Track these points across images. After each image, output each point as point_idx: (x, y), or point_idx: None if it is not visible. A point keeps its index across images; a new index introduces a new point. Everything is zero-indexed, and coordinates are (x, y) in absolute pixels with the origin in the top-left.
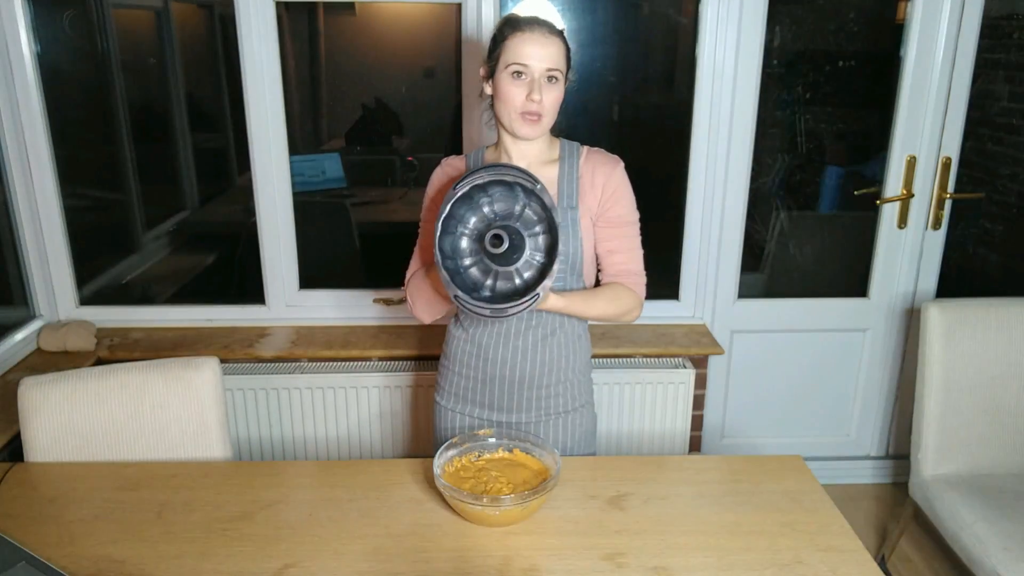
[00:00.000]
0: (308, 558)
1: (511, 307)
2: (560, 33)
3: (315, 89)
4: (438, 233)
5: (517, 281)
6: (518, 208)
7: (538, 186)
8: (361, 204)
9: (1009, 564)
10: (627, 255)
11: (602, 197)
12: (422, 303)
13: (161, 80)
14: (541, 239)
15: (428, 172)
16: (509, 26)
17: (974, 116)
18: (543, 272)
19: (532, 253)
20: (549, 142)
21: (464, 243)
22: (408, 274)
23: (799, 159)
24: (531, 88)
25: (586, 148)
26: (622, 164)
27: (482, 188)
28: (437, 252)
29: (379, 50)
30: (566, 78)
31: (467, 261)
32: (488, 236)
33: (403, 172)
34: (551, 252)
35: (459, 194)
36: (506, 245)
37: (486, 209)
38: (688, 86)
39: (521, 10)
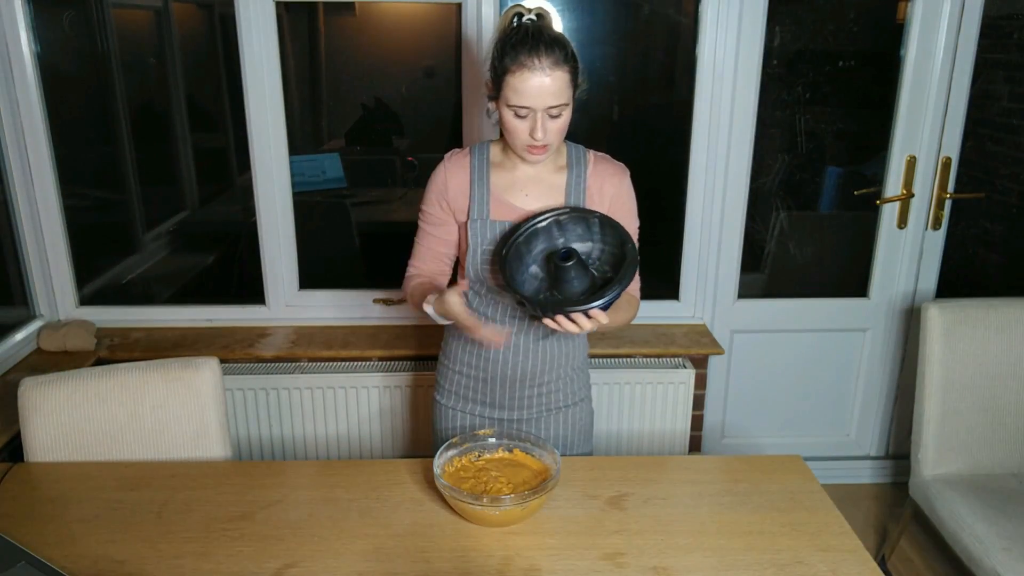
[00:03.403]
0: (308, 558)
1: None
2: (564, 56)
3: (315, 89)
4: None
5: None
6: (595, 253)
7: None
8: (361, 204)
9: (1009, 564)
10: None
11: (610, 209)
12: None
13: (161, 80)
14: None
15: (428, 172)
16: (509, 56)
17: (974, 116)
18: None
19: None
20: (555, 148)
21: (532, 272)
22: (410, 272)
23: (799, 159)
24: (533, 126)
25: (592, 154)
26: (628, 173)
27: (559, 224)
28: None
29: (379, 50)
30: (574, 96)
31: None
32: (561, 252)
33: (403, 172)
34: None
35: (536, 226)
36: (574, 261)
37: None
38: (688, 86)
39: (526, 32)
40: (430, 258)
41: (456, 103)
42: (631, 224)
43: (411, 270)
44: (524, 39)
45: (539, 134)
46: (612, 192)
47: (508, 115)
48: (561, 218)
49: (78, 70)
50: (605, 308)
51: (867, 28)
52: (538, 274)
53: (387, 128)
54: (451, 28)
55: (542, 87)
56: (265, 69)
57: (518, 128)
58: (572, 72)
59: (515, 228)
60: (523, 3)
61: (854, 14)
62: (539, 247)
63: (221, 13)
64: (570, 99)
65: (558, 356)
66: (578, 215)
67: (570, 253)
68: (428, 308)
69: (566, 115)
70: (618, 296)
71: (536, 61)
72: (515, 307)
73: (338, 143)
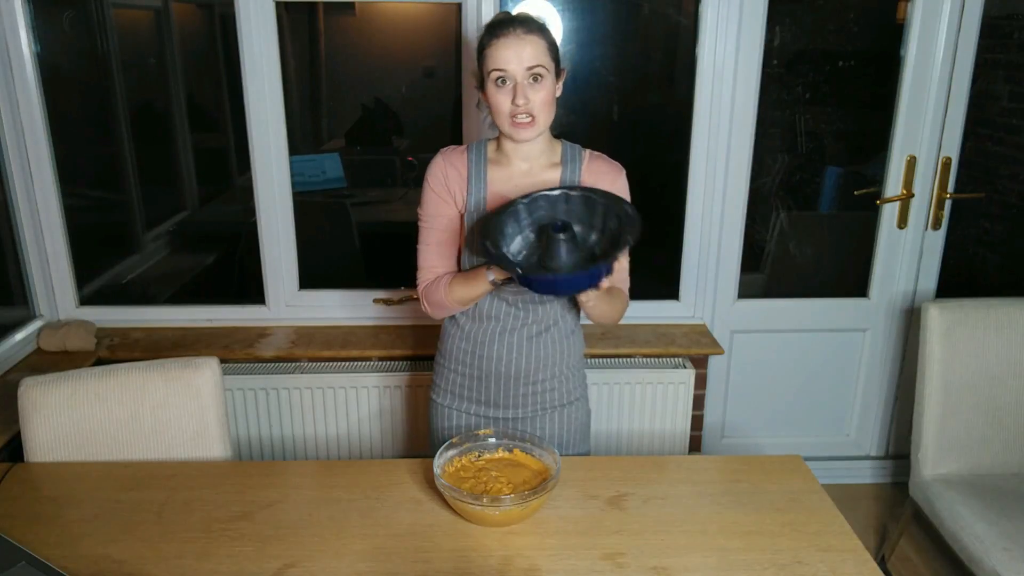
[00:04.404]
0: (308, 558)
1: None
2: (539, 28)
3: (315, 89)
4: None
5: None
6: (592, 238)
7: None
8: (361, 204)
9: (1009, 564)
10: (621, 261)
11: None
12: (455, 306)
13: (161, 80)
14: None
15: None
16: (487, 34)
17: (974, 116)
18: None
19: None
20: (550, 144)
21: (518, 242)
22: (425, 277)
23: (799, 159)
24: (515, 92)
25: (588, 152)
26: (624, 172)
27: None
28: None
29: (379, 50)
30: (557, 73)
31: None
32: (556, 224)
33: (403, 172)
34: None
35: (526, 201)
36: (567, 234)
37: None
38: (688, 86)
39: (503, 15)
40: (444, 255)
41: (456, 103)
42: None
43: (426, 274)
44: (502, 18)
45: (520, 100)
46: (611, 189)
47: (492, 90)
48: (572, 193)
49: (78, 70)
50: (589, 281)
51: (867, 28)
52: (530, 239)
53: (387, 128)
54: (451, 28)
55: (517, 49)
56: (265, 69)
57: (500, 101)
58: (548, 42)
59: (521, 197)
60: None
61: (854, 14)
62: (539, 214)
63: (221, 13)
64: (549, 67)
65: (553, 354)
66: (587, 196)
67: (565, 225)
68: (492, 275)
69: (547, 86)
70: (602, 271)
71: (509, 29)
72: (510, 300)
73: (338, 143)
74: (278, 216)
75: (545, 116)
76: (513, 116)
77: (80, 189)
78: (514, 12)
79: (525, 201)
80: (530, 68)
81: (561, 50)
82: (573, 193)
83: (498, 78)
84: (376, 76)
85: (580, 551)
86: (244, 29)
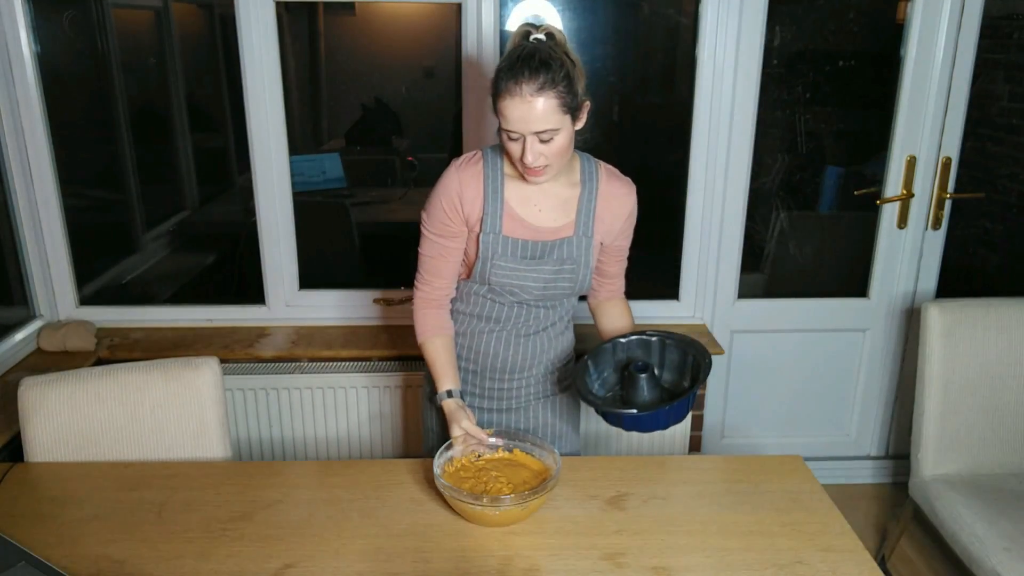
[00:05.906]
0: (308, 558)
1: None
2: (550, 82)
3: (315, 89)
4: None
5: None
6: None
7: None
8: (361, 204)
9: (1009, 564)
10: (623, 275)
11: (621, 228)
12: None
13: (161, 80)
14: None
15: (428, 172)
16: (500, 81)
17: (974, 116)
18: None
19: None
20: (569, 161)
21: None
22: (422, 289)
23: (799, 159)
24: (523, 149)
25: (603, 170)
26: (634, 189)
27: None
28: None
29: (379, 50)
30: (575, 114)
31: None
32: (637, 364)
33: (403, 172)
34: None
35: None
36: (647, 374)
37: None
38: (688, 86)
39: (516, 54)
40: (447, 271)
41: (456, 103)
42: (630, 239)
43: (425, 287)
44: (513, 64)
45: (528, 157)
46: (623, 213)
47: (503, 135)
48: (668, 341)
49: (78, 70)
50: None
51: (867, 28)
52: (611, 378)
53: (387, 128)
54: (451, 28)
55: (525, 114)
56: (265, 69)
57: (514, 150)
58: (563, 95)
59: (607, 343)
60: (536, 19)
61: (854, 14)
62: (619, 357)
63: (221, 13)
64: (562, 123)
65: (548, 350)
66: (674, 343)
67: (646, 366)
68: (440, 398)
69: (560, 138)
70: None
71: (518, 88)
72: (512, 306)
73: (338, 143)
74: (278, 216)
75: (558, 162)
76: (524, 166)
77: (80, 189)
78: (532, 38)
79: (623, 341)
80: (537, 132)
81: None
82: (669, 341)
83: (508, 136)
84: (376, 76)
85: (580, 551)
86: (244, 29)
